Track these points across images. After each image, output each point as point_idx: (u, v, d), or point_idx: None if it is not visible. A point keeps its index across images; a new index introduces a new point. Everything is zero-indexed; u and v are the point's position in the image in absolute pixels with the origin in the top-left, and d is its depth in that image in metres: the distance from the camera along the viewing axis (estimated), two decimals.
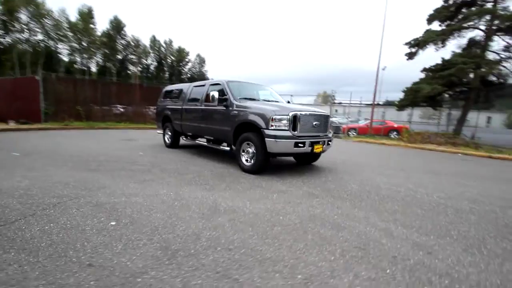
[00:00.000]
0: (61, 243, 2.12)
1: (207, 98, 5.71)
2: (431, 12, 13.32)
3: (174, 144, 7.48)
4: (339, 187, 4.12)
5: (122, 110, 16.07)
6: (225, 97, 5.30)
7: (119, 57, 58.97)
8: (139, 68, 61.51)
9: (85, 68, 53.86)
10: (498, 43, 13.74)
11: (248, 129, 4.86)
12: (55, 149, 6.54)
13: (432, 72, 12.74)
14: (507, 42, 13.21)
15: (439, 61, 13.11)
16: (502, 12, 11.27)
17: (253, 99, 5.54)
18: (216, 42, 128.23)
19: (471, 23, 12.38)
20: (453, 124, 15.15)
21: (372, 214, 3.06)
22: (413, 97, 14.12)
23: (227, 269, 1.87)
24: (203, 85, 6.31)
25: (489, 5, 12.88)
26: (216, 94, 5.28)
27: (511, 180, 5.69)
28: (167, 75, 65.41)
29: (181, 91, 7.13)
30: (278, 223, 2.71)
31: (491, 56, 13.53)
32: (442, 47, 14.60)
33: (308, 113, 4.71)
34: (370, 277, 1.86)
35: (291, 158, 6.26)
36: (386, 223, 2.82)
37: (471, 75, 12.45)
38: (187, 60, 69.60)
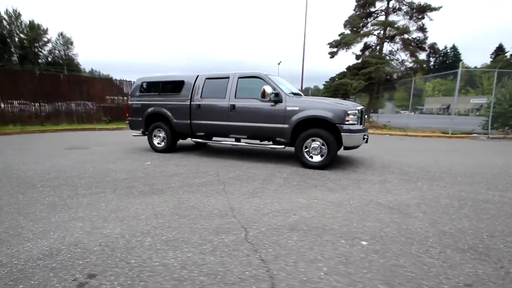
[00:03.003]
0: None
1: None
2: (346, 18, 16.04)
3: (171, 148, 6.15)
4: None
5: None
6: (275, 92, 4.81)
7: None
8: None
9: None
10: (386, 48, 18.03)
11: (311, 125, 4.66)
12: None
13: (353, 70, 15.40)
14: (392, 47, 17.53)
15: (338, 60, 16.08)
16: (398, 25, 14.80)
17: (295, 94, 5.29)
18: (87, 19, 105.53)
19: (374, 31, 15.73)
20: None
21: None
22: (335, 89, 16.76)
23: None
24: (225, 77, 5.44)
25: (382, 18, 16.64)
26: (269, 89, 4.72)
27: (458, 150, 7.78)
28: (15, 57, 48.45)
29: (181, 84, 5.87)
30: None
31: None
32: (347, 49, 17.82)
33: (361, 107, 4.93)
34: None
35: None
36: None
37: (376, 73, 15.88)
38: (45, 39, 52.91)
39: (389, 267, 1.80)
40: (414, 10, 15.17)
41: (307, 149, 4.70)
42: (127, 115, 6.59)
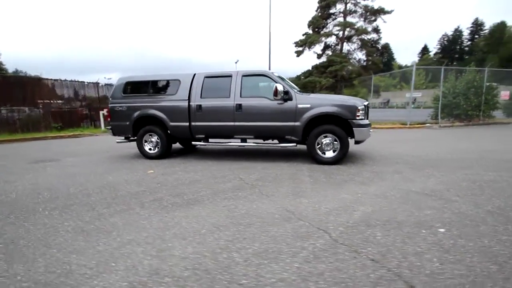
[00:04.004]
0: None
1: (244, 91, 4.96)
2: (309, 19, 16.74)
3: (166, 153, 5.66)
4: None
5: None
6: (285, 90, 4.76)
7: None
8: None
9: None
10: (345, 48, 19.38)
11: (320, 122, 4.73)
12: None
13: (320, 68, 16.20)
14: (350, 47, 18.92)
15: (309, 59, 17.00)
16: (357, 26, 15.99)
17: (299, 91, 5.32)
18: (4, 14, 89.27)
19: (335, 31, 16.82)
20: None
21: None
22: (303, 87, 17.45)
23: None
24: (228, 76, 5.18)
25: (340, 19, 17.82)
26: (281, 88, 4.63)
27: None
28: None
29: (176, 83, 5.41)
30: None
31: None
32: (310, 48, 18.72)
33: (366, 102, 5.16)
34: None
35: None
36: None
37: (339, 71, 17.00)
38: None
39: (482, 248, 1.93)
40: (368, 13, 16.54)
41: (319, 146, 4.77)
42: (109, 119, 5.86)
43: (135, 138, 5.82)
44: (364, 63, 17.04)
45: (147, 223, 2.50)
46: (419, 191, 3.22)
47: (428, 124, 12.47)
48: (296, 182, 3.75)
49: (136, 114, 5.57)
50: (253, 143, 5.33)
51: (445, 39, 71.24)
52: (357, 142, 4.82)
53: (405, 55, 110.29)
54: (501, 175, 3.85)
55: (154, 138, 5.63)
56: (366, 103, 4.88)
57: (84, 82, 13.95)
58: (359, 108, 4.57)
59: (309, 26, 16.85)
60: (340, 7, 16.45)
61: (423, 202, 2.87)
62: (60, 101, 13.63)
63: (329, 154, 4.74)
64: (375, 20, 16.45)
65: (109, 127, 5.90)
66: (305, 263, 1.81)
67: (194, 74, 5.44)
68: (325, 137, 4.72)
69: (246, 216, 2.61)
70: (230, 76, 5.16)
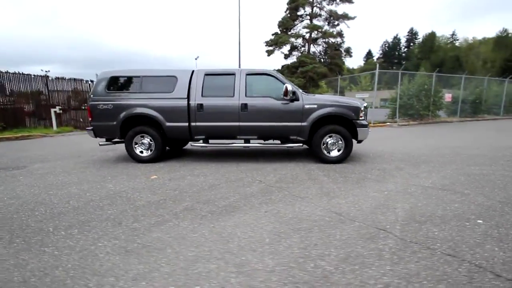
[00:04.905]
0: None
1: (244, 90, 4.88)
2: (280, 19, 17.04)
3: (160, 157, 5.21)
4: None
5: None
6: (293, 90, 4.75)
7: None
8: None
9: None
10: (311, 50, 20.21)
11: (325, 122, 4.86)
12: None
13: (291, 69, 16.62)
14: (315, 49, 19.81)
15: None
16: (324, 29, 16.77)
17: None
18: None
19: (303, 33, 17.42)
20: None
21: None
22: None
23: None
24: (231, 74, 4.96)
25: (307, 21, 18.52)
26: (290, 88, 4.60)
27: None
28: None
29: (173, 80, 4.99)
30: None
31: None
32: (279, 48, 19.14)
33: (366, 104, 5.43)
34: None
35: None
36: None
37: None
38: None
39: None
40: (332, 17, 17.49)
41: (324, 145, 4.90)
42: (90, 119, 5.15)
43: (122, 140, 5.24)
44: (329, 65, 18.07)
45: (199, 236, 2.28)
46: (432, 186, 3.52)
47: (388, 123, 13.75)
48: (317, 182, 3.80)
49: (124, 113, 5.00)
50: (258, 143, 5.24)
51: (386, 45, 79.06)
52: (358, 142, 5.07)
53: (352, 59, 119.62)
54: (493, 168, 4.41)
55: (147, 140, 5.14)
56: (365, 104, 5.16)
57: (30, 75, 11.99)
58: (362, 109, 4.81)
59: (279, 26, 17.21)
60: (308, 9, 17.14)
61: (444, 196, 3.15)
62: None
63: (334, 153, 4.90)
64: (338, 25, 17.54)
65: (90, 128, 5.20)
66: (394, 264, 1.84)
67: (193, 71, 5.10)
68: (330, 137, 4.86)
69: (298, 221, 2.55)
70: (233, 74, 4.97)
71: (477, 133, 9.87)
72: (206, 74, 5.02)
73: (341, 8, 17.00)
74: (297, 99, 4.81)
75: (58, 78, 13.11)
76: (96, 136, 5.25)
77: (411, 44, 75.04)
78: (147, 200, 3.13)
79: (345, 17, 16.60)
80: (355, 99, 5.53)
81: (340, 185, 3.66)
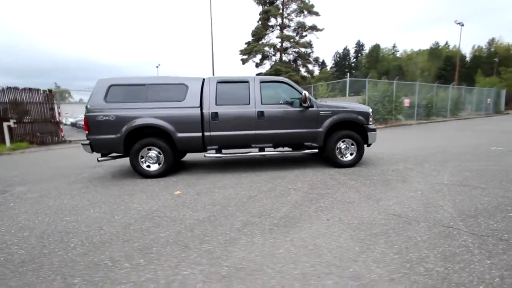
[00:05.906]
0: None
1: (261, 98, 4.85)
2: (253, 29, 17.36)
3: (171, 170, 4.83)
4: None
5: None
6: (309, 97, 4.82)
7: None
8: None
9: None
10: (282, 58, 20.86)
11: (338, 128, 5.03)
12: None
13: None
14: (286, 58, 20.52)
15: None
16: (297, 39, 17.47)
17: None
18: None
19: (276, 43, 17.96)
20: None
21: None
22: None
23: None
24: (244, 82, 4.85)
25: (277, 32, 19.14)
26: (308, 94, 4.66)
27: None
28: None
29: (183, 88, 4.70)
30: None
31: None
32: (254, 57, 19.45)
33: (371, 109, 5.72)
34: None
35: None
36: None
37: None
38: None
39: None
40: (299, 28, 18.36)
41: (337, 150, 5.05)
42: (87, 132, 4.58)
43: (124, 154, 4.76)
44: (304, 74, 18.94)
45: (285, 251, 2.16)
46: (453, 183, 3.86)
47: None
48: (349, 186, 3.89)
49: (129, 125, 4.55)
50: (274, 151, 5.20)
51: (338, 56, 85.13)
52: (368, 145, 5.34)
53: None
54: (476, 165, 4.99)
55: (154, 153, 4.73)
56: (371, 110, 5.48)
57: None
58: (370, 114, 5.10)
59: (252, 35, 17.49)
60: (279, 20, 17.75)
61: (469, 192, 3.47)
62: None
63: (348, 157, 5.09)
64: (306, 36, 18.48)
65: (87, 142, 4.61)
66: (490, 258, 1.96)
67: (203, 79, 4.89)
68: (343, 142, 5.04)
69: (368, 226, 2.58)
70: (247, 82, 4.89)
71: (442, 133, 11.12)
72: (219, 82, 4.85)
73: (309, 20, 18.05)
74: (312, 106, 4.91)
75: (9, 87, 11.42)
76: (93, 151, 4.67)
77: (359, 54, 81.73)
78: (194, 218, 2.88)
79: (314, 28, 17.63)
80: (362, 104, 5.83)
81: (372, 187, 3.80)
